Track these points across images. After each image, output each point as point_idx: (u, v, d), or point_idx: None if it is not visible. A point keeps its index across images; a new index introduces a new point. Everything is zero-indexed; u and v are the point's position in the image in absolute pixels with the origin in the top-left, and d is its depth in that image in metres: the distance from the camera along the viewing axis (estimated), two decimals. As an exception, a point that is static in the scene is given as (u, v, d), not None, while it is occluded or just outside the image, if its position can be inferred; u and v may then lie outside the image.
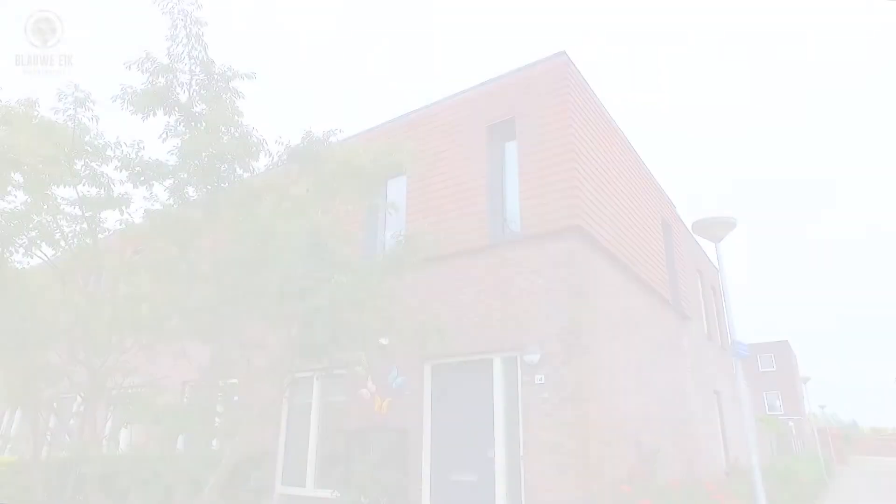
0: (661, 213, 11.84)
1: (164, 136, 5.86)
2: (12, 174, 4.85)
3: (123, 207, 6.05)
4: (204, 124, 5.68)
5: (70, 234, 5.94)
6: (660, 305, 10.63)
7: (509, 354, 7.43)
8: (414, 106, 9.91)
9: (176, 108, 5.85)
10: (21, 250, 5.48)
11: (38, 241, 5.61)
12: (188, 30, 5.67)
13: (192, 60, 5.75)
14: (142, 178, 5.65)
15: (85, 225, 5.91)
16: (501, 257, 7.81)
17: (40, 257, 5.85)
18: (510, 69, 8.81)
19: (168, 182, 5.90)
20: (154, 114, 5.64)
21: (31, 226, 5.34)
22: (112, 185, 5.85)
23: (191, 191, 6.14)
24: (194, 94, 5.86)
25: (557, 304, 7.15)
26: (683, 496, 6.96)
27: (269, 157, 5.87)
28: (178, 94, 5.84)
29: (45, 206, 5.25)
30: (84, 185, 5.69)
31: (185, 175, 5.84)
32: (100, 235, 6.10)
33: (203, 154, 5.31)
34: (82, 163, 5.56)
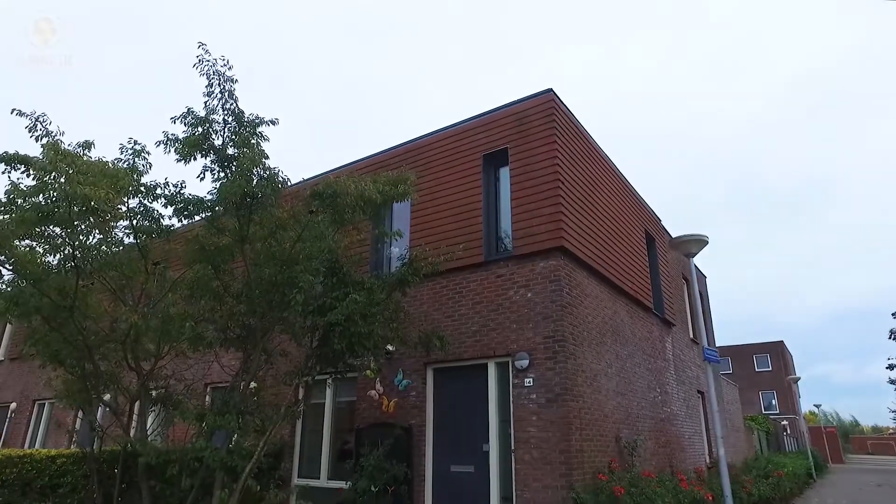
0: (646, 227, 12.69)
1: (202, 175, 6.82)
2: (90, 219, 5.84)
3: (169, 237, 7.05)
4: (235, 165, 6.63)
5: (125, 260, 6.94)
6: (643, 313, 11.40)
7: (502, 360, 8.16)
8: (416, 133, 10.82)
9: (211, 151, 6.79)
10: (87, 276, 6.47)
11: (100, 269, 6.60)
12: (222, 86, 6.62)
13: (226, 112, 6.69)
14: (185, 213, 6.63)
15: (137, 251, 6.91)
16: (495, 273, 8.58)
17: (101, 282, 6.85)
18: (504, 103, 9.63)
19: (205, 214, 6.89)
20: (194, 158, 6.61)
21: (96, 255, 6.32)
22: (161, 219, 6.86)
23: (224, 220, 7.12)
24: (227, 139, 6.80)
25: (544, 315, 7.93)
26: (654, 484, 7.86)
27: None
28: (213, 139, 6.79)
29: (109, 240, 6.23)
30: (138, 219, 6.70)
31: (221, 209, 6.81)
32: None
33: (237, 194, 6.27)
34: (137, 201, 6.57)
